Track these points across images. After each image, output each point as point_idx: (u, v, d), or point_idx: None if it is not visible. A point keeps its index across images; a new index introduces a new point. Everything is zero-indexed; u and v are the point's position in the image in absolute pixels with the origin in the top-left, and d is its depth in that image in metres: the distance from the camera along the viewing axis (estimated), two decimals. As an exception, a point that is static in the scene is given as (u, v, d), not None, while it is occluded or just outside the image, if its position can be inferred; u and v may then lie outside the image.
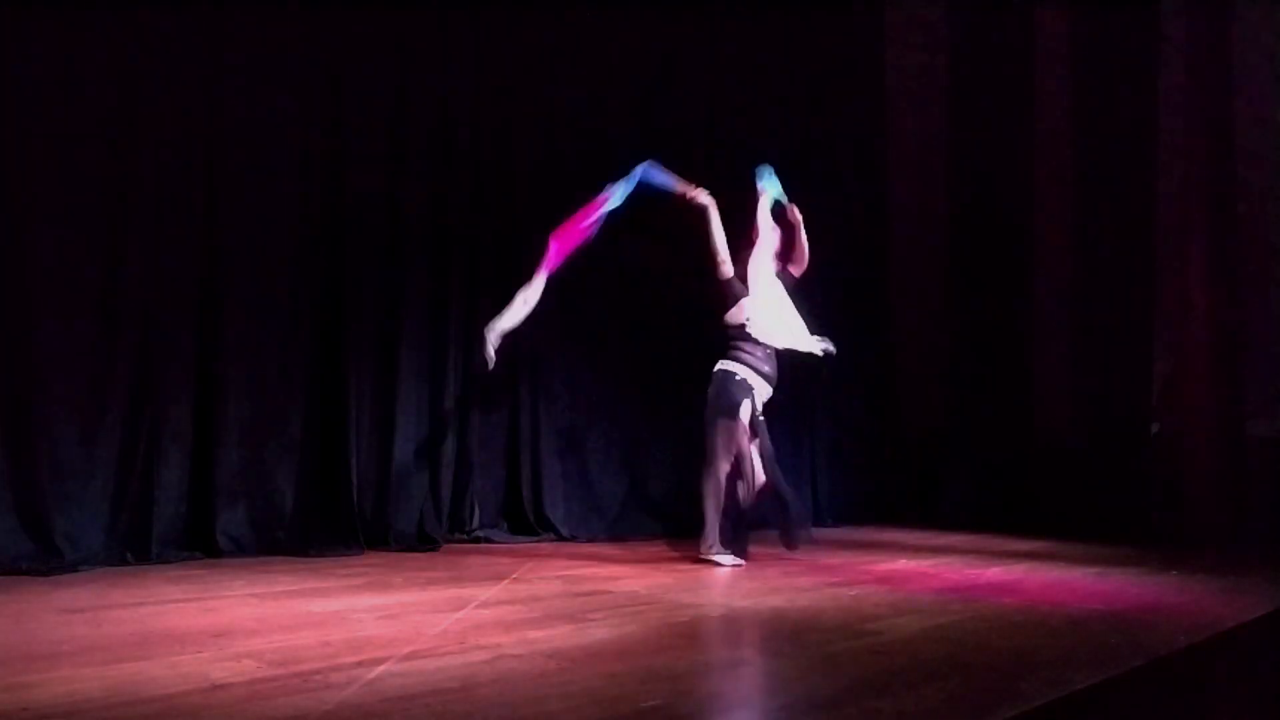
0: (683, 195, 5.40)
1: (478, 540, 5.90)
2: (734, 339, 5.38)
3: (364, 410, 5.56)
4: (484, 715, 2.30)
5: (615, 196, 5.16)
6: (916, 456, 8.89)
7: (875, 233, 8.69)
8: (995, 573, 5.17)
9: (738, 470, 5.26)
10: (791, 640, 3.27)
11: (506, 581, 4.40)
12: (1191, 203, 6.68)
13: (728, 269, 5.46)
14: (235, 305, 5.13)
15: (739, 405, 5.21)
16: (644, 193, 5.25)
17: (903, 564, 5.48)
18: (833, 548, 6.28)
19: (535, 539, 6.07)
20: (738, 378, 5.28)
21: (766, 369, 5.37)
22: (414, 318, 5.81)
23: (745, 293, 5.41)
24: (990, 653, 3.10)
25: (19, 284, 4.47)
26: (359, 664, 2.72)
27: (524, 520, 6.20)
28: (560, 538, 6.16)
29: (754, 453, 5.29)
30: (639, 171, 5.23)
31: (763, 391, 5.38)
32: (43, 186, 4.54)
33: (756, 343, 5.35)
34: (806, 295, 8.21)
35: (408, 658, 2.83)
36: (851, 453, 8.23)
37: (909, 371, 9.21)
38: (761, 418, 5.34)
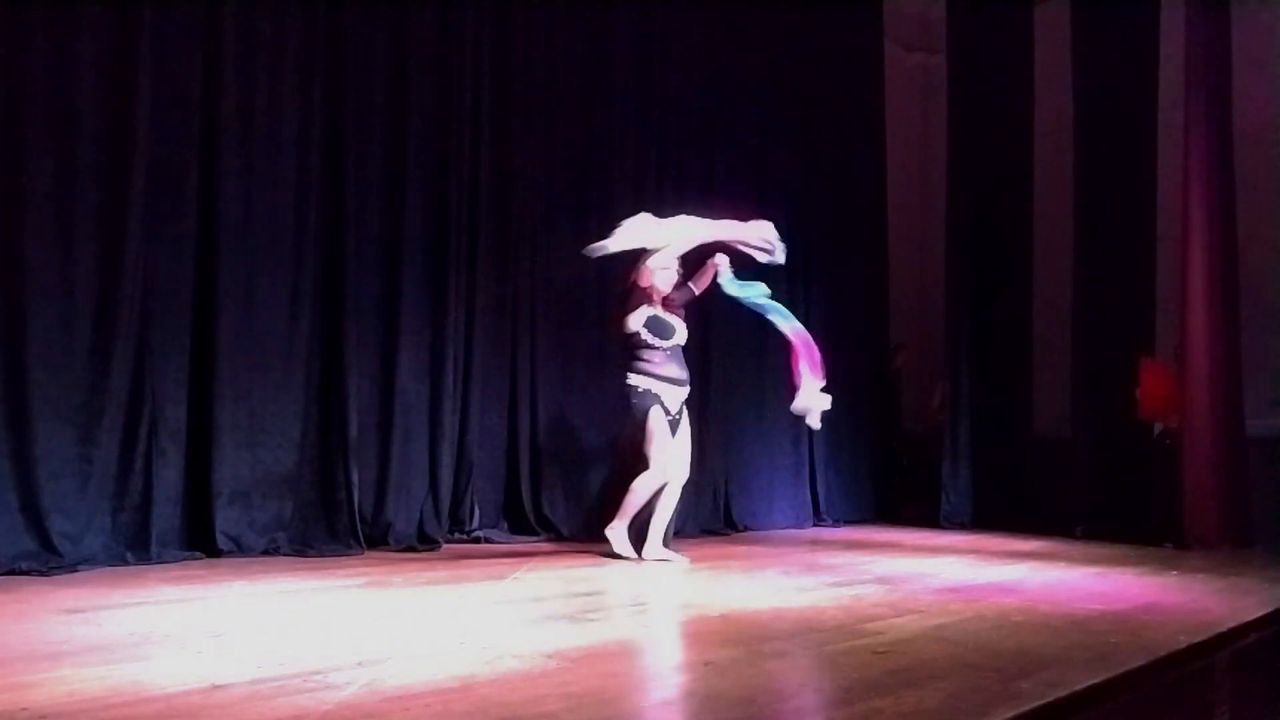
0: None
1: (478, 540, 5.90)
2: (631, 348, 5.44)
3: (364, 410, 5.55)
4: (484, 715, 2.30)
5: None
6: (916, 456, 8.90)
7: (875, 232, 8.70)
8: (995, 573, 5.17)
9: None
10: (791, 640, 3.27)
11: (506, 581, 4.40)
12: (1191, 202, 6.67)
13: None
14: (233, 305, 5.12)
15: (648, 414, 5.35)
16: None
17: (903, 564, 5.48)
18: (833, 548, 6.29)
19: (535, 539, 6.07)
20: (640, 390, 5.38)
21: (667, 372, 5.42)
22: (414, 317, 5.81)
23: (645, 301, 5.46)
24: (990, 653, 3.10)
25: (16, 284, 4.45)
26: (359, 664, 2.72)
27: (524, 520, 6.20)
28: (560, 538, 6.16)
29: (681, 451, 5.47)
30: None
31: (670, 393, 5.44)
32: (39, 185, 4.52)
33: (651, 347, 5.40)
34: (808, 295, 8.23)
35: (408, 658, 2.83)
36: (851, 453, 8.23)
37: (909, 371, 9.22)
38: (678, 417, 5.45)
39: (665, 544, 5.46)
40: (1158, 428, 7.14)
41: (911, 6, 9.57)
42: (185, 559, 4.80)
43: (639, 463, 5.41)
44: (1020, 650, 3.15)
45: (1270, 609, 4.07)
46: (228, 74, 5.13)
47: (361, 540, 5.33)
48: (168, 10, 4.90)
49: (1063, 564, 5.52)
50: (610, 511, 5.50)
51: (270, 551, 5.07)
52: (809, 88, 8.05)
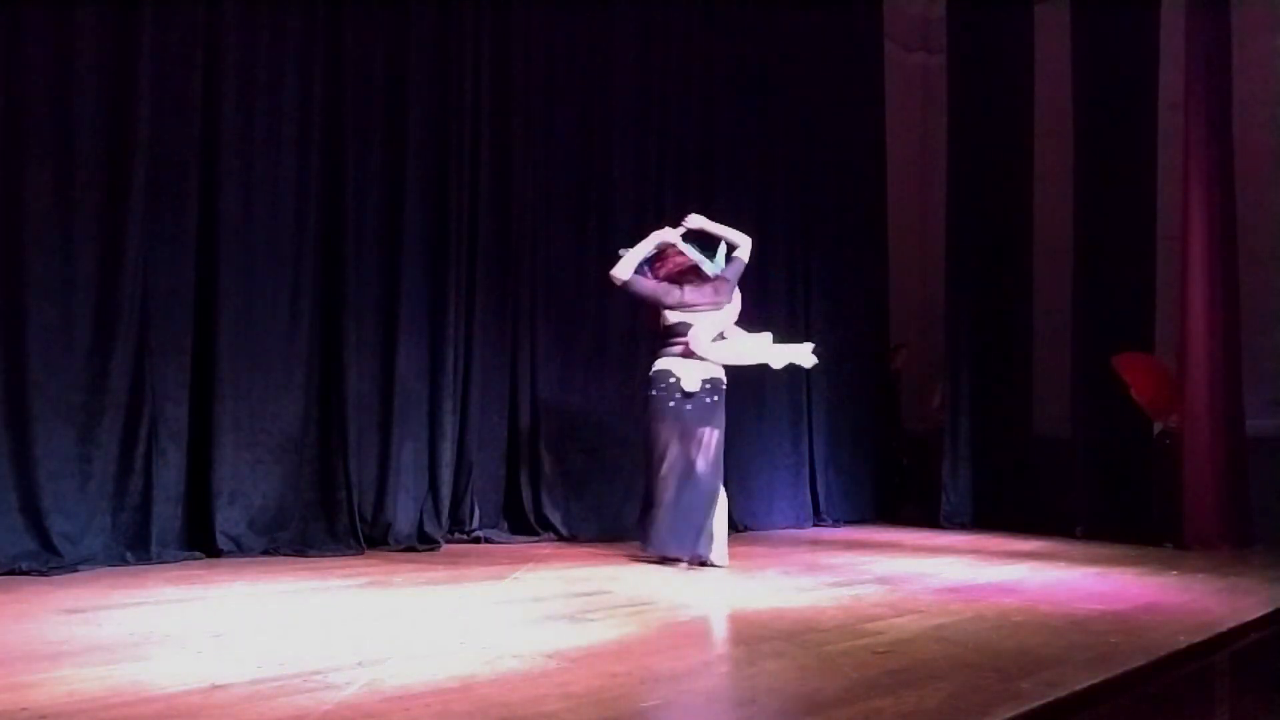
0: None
1: (478, 540, 5.90)
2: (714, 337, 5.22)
3: (364, 410, 5.55)
4: (484, 715, 2.30)
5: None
6: (916, 456, 8.90)
7: (875, 232, 8.70)
8: (995, 573, 5.17)
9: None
10: (791, 640, 3.27)
11: (506, 581, 4.40)
12: (1191, 202, 6.67)
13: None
14: (233, 304, 5.12)
15: None
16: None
17: (903, 564, 5.48)
18: (833, 548, 6.29)
19: (535, 539, 6.07)
20: (725, 386, 5.22)
21: None
22: (414, 317, 5.81)
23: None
24: (990, 653, 3.10)
25: (16, 284, 4.45)
26: (359, 664, 2.72)
27: (524, 520, 6.20)
28: (560, 538, 6.16)
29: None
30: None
31: None
32: (40, 185, 4.52)
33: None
34: (808, 294, 8.23)
35: (408, 658, 2.83)
36: (851, 453, 8.23)
37: (909, 371, 9.22)
38: None
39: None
40: (1158, 427, 7.15)
41: (911, 6, 9.58)
42: (185, 559, 4.79)
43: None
44: (1020, 650, 3.15)
45: (1270, 609, 4.08)
46: (228, 74, 5.13)
47: (361, 540, 5.32)
48: (168, 10, 4.89)
49: (1063, 564, 5.52)
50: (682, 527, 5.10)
51: (270, 551, 5.07)
52: (809, 88, 8.05)
